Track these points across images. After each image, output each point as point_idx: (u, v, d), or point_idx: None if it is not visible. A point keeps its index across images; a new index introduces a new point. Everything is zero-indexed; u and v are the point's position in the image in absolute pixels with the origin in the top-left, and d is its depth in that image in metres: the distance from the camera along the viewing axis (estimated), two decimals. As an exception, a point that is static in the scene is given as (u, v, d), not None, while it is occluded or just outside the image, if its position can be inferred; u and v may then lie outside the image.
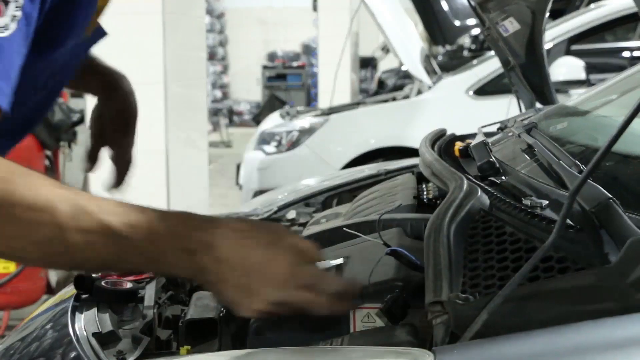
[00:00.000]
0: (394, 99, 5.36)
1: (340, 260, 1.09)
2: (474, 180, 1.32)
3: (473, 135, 1.82)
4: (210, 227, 0.96)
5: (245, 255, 0.95)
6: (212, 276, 0.95)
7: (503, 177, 1.34)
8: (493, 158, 1.40)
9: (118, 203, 0.93)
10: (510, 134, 1.67)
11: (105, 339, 1.09)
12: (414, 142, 3.83)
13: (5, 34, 0.86)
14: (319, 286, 0.98)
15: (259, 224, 1.00)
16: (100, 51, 1.36)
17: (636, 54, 5.32)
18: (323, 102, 7.86)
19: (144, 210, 0.94)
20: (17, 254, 0.91)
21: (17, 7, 0.87)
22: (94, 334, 1.10)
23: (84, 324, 1.15)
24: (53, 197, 0.88)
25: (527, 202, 1.11)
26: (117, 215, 0.91)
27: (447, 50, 7.91)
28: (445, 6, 8.09)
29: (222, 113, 12.49)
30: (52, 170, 3.87)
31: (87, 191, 0.95)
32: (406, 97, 5.25)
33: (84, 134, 4.30)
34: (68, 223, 0.88)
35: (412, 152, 3.24)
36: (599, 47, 5.33)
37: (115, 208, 0.92)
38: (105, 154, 1.47)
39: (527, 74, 2.18)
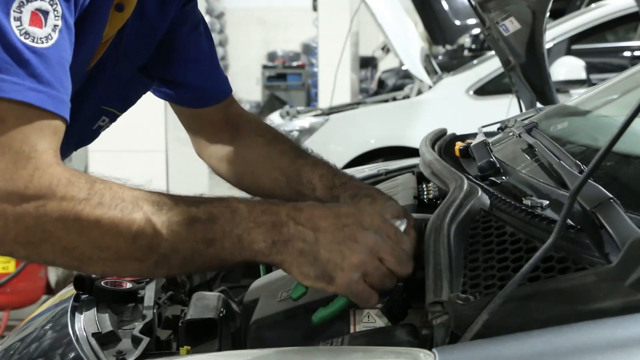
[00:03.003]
0: (394, 99, 5.35)
1: (404, 224, 1.06)
2: (474, 180, 1.32)
3: (473, 135, 1.82)
4: (291, 202, 0.97)
5: (337, 211, 0.96)
6: (306, 242, 0.94)
7: (503, 177, 1.34)
8: (493, 158, 1.40)
9: (192, 196, 0.95)
10: (510, 134, 1.67)
11: (105, 339, 1.09)
12: (414, 142, 3.83)
13: (49, 43, 0.88)
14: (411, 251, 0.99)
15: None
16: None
17: (637, 53, 5.32)
18: (323, 102, 7.84)
19: (222, 197, 0.96)
20: (104, 255, 0.90)
21: (56, 16, 0.89)
22: (93, 334, 1.10)
23: (84, 324, 1.15)
24: (135, 196, 0.91)
25: (527, 202, 1.11)
26: (200, 203, 0.93)
27: (447, 50, 7.91)
28: (445, 6, 8.08)
29: (223, 113, 12.42)
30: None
31: None
32: (406, 97, 5.25)
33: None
34: (153, 216, 0.90)
35: (412, 152, 3.24)
36: (599, 46, 5.33)
37: (196, 198, 0.94)
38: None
39: (527, 73, 2.18)
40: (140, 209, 0.90)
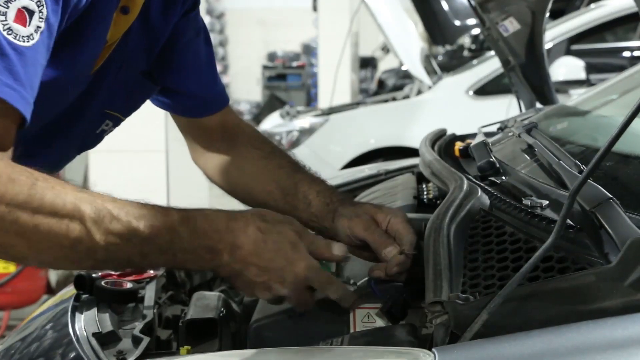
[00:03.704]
0: (394, 99, 5.35)
1: (352, 288, 1.12)
2: (474, 180, 1.32)
3: (473, 135, 1.82)
4: (235, 226, 1.00)
5: (268, 257, 1.00)
6: (232, 271, 1.00)
7: (503, 177, 1.34)
8: (493, 158, 1.40)
9: (141, 205, 0.96)
10: (510, 134, 1.67)
11: (105, 339, 1.09)
12: (414, 142, 3.83)
13: (30, 43, 0.89)
14: (325, 291, 1.05)
15: (282, 220, 1.04)
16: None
17: (636, 53, 5.32)
18: (323, 102, 7.84)
19: (166, 212, 0.97)
20: (41, 257, 0.93)
21: (40, 18, 0.89)
22: (94, 334, 1.10)
23: (84, 324, 1.15)
24: (77, 201, 0.90)
25: (527, 202, 1.11)
26: (141, 218, 0.94)
27: (447, 50, 7.90)
28: (445, 6, 8.07)
29: (223, 113, 12.38)
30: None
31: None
32: (406, 97, 5.25)
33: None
34: (93, 226, 0.90)
35: (412, 152, 3.24)
36: (599, 47, 5.33)
37: (139, 210, 0.95)
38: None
39: (527, 74, 2.18)
40: (80, 216, 0.90)
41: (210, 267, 1.01)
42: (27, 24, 0.88)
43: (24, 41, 0.88)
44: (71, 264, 0.96)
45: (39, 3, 0.89)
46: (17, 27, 0.87)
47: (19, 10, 0.87)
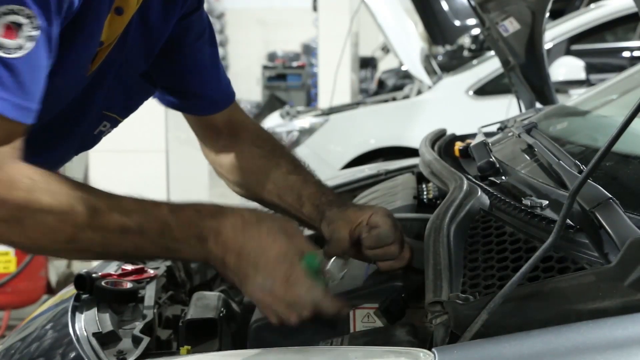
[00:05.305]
0: (394, 99, 5.35)
1: (340, 275, 1.11)
2: (474, 180, 1.32)
3: (473, 135, 1.82)
4: (221, 216, 1.02)
5: (244, 244, 1.01)
6: (217, 261, 1.02)
7: (503, 177, 1.34)
8: (493, 158, 1.40)
9: (133, 200, 1.00)
10: (510, 134, 1.67)
11: (105, 339, 1.09)
12: (414, 142, 3.83)
13: (19, 54, 0.92)
14: (307, 298, 1.01)
15: (271, 216, 1.08)
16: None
17: (636, 54, 5.32)
18: (323, 102, 7.83)
19: (157, 205, 1.01)
20: (43, 250, 1.04)
21: (32, 27, 0.93)
22: (94, 334, 1.10)
23: (84, 324, 1.15)
24: (72, 200, 0.95)
25: (527, 202, 1.11)
26: (132, 213, 0.99)
27: (447, 50, 7.89)
28: (445, 6, 8.07)
29: (223, 113, 12.36)
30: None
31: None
32: (406, 97, 5.24)
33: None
34: (86, 224, 0.96)
35: (412, 152, 3.24)
36: (599, 47, 5.33)
37: (131, 205, 0.99)
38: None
39: (527, 74, 2.18)
40: (75, 217, 0.95)
41: (202, 256, 1.02)
42: (17, 36, 0.92)
43: (11, 53, 0.92)
44: (72, 256, 1.13)
45: (28, 15, 0.92)
46: (6, 41, 0.91)
47: (6, 25, 0.91)
